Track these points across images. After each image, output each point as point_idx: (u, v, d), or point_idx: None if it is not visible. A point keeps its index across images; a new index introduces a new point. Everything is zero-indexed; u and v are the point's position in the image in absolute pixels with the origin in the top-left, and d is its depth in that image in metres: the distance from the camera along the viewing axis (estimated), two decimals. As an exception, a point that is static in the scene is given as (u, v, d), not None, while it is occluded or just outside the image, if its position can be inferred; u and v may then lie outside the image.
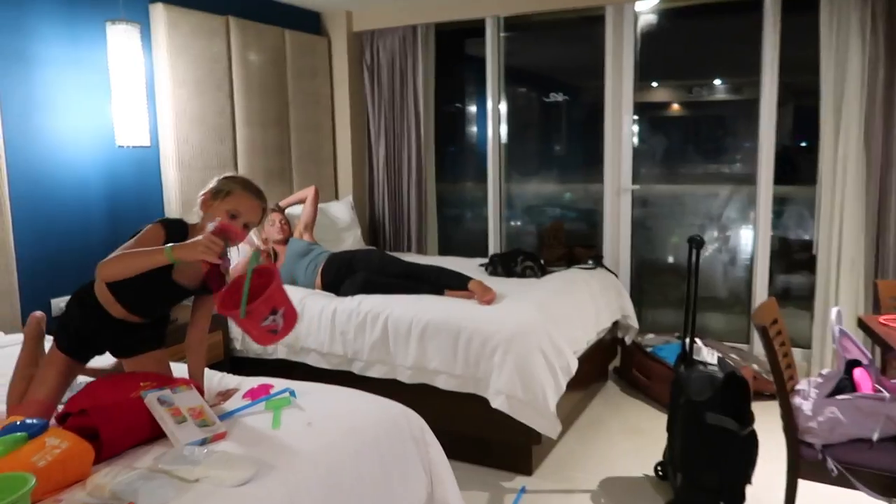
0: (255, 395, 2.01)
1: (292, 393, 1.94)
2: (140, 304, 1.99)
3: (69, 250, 3.16)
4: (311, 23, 4.74)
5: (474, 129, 5.31)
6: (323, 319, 3.26)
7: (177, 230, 1.96)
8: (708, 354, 3.42)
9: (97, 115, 3.25)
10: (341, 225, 4.52)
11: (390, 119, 4.83)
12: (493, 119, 4.78)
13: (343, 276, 3.44)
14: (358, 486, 1.65)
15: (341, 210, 4.60)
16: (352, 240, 4.54)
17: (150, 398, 1.66)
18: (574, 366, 3.03)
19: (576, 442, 3.30)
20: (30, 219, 2.99)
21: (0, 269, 2.82)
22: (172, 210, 3.63)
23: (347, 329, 3.20)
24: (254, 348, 3.46)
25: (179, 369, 2.18)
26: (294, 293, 3.40)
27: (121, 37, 3.11)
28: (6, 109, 2.88)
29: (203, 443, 1.66)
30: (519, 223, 5.06)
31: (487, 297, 3.15)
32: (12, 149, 2.90)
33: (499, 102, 4.79)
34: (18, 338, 2.24)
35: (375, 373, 3.17)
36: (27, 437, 1.45)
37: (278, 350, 3.41)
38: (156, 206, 3.63)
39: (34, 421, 1.51)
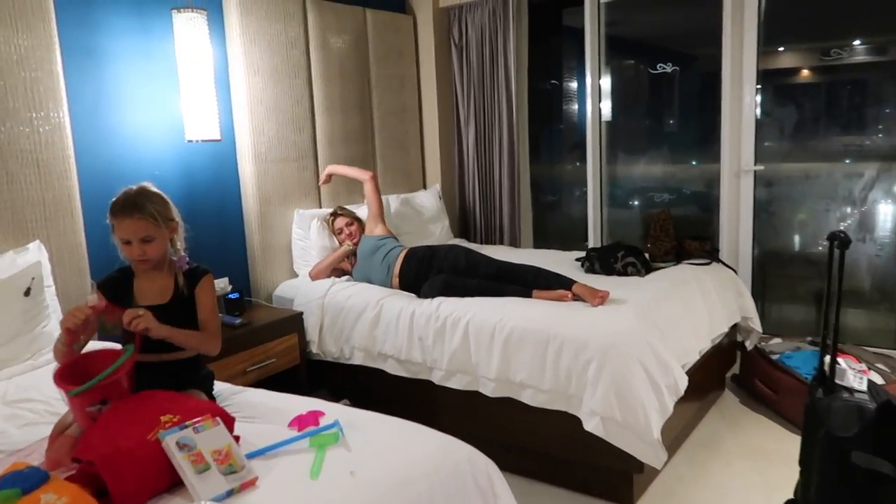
0: (302, 423, 1.77)
1: (341, 429, 1.68)
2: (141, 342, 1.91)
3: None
4: (395, 0, 4.46)
5: (573, 106, 4.87)
6: (401, 323, 3.01)
7: (115, 284, 1.99)
8: (854, 379, 2.85)
9: (168, 108, 3.13)
10: (427, 215, 4.25)
11: (480, 99, 4.49)
12: (594, 95, 4.33)
13: (424, 274, 3.17)
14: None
15: (428, 199, 4.32)
16: (439, 232, 4.27)
17: (168, 442, 1.45)
18: (683, 383, 2.60)
19: (686, 465, 2.87)
20: (101, 219, 2.90)
21: (72, 271, 2.75)
22: (250, 206, 3.49)
23: (426, 334, 2.93)
24: (331, 352, 3.26)
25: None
26: (372, 294, 3.18)
27: (187, 25, 2.95)
28: (75, 107, 2.79)
29: (229, 494, 1.43)
30: (622, 211, 4.59)
31: (598, 296, 2.78)
32: (82, 147, 2.82)
33: (600, 77, 4.33)
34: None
35: (456, 384, 2.88)
36: (20, 493, 1.26)
37: (355, 355, 3.19)
38: (233, 203, 3.49)
39: (37, 470, 1.32)
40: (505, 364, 2.71)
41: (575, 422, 2.56)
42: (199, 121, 3.05)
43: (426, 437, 1.69)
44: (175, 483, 1.45)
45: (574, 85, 4.85)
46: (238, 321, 3.03)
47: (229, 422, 1.63)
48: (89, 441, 1.49)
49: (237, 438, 1.68)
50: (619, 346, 2.48)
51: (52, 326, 2.46)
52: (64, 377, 1.65)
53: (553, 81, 4.90)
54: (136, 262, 1.96)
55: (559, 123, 4.96)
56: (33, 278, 2.40)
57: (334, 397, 3.13)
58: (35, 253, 2.55)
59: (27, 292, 2.37)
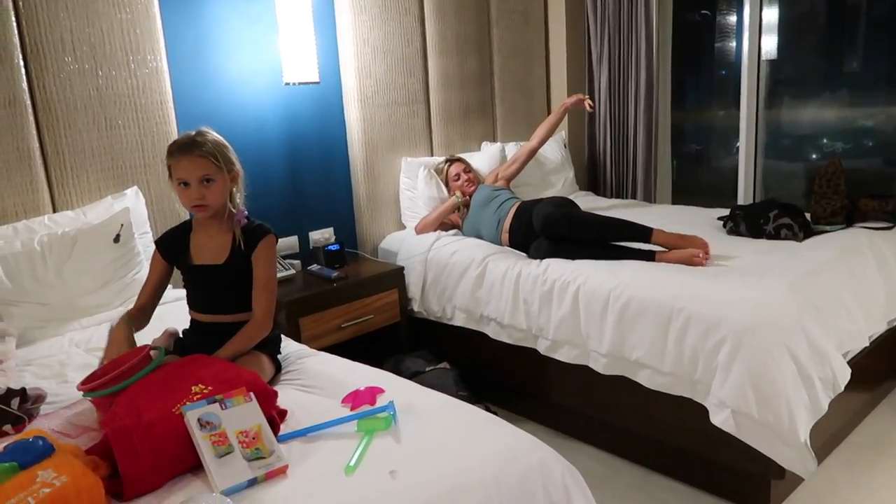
0: (357, 400, 1.55)
1: (394, 414, 1.43)
2: (199, 302, 1.89)
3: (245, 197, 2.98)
4: (522, -75, 4.01)
5: (728, 43, 4.20)
6: (505, 285, 2.71)
7: (172, 241, 1.93)
8: None
9: (268, 51, 2.97)
10: (550, 166, 3.87)
11: (616, 36, 3.97)
12: (753, 28, 3.67)
13: (533, 232, 2.82)
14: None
15: (551, 149, 3.92)
16: (562, 184, 3.87)
17: (190, 417, 1.27)
18: (844, 376, 2.10)
19: (842, 470, 2.37)
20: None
21: (170, 218, 2.70)
22: (356, 153, 3.30)
23: (531, 298, 2.61)
24: (433, 310, 3.04)
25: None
26: (477, 251, 2.90)
27: (286, -39, 2.76)
28: (172, 50, 2.71)
29: (251, 484, 1.23)
30: (782, 163, 3.92)
31: (695, 250, 2.41)
32: (180, 91, 2.74)
33: (760, 6, 3.65)
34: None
35: (563, 356, 2.55)
36: (17, 468, 1.13)
37: (456, 316, 2.94)
38: (339, 150, 3.32)
39: (42, 442, 1.19)
40: (619, 338, 2.34)
41: (701, 411, 2.16)
42: (297, 62, 2.87)
43: (493, 433, 1.39)
44: (199, 463, 1.28)
45: (731, 18, 4.17)
46: (335, 275, 2.88)
47: (269, 397, 1.43)
48: (116, 409, 1.35)
49: (284, 413, 1.50)
50: (761, 328, 2.02)
51: (144, 274, 2.41)
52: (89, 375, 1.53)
53: (704, 12, 4.24)
54: (194, 209, 1.82)
55: (709, 62, 4.31)
56: (122, 225, 2.36)
57: (434, 359, 2.93)
58: (130, 199, 2.52)
59: (116, 239, 2.33)
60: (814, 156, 3.80)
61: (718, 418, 2.08)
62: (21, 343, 2.05)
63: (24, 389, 1.61)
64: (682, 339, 2.17)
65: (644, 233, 2.57)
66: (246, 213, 1.89)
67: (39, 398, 1.67)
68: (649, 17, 3.78)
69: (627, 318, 2.31)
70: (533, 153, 3.46)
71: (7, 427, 1.54)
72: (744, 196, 3.83)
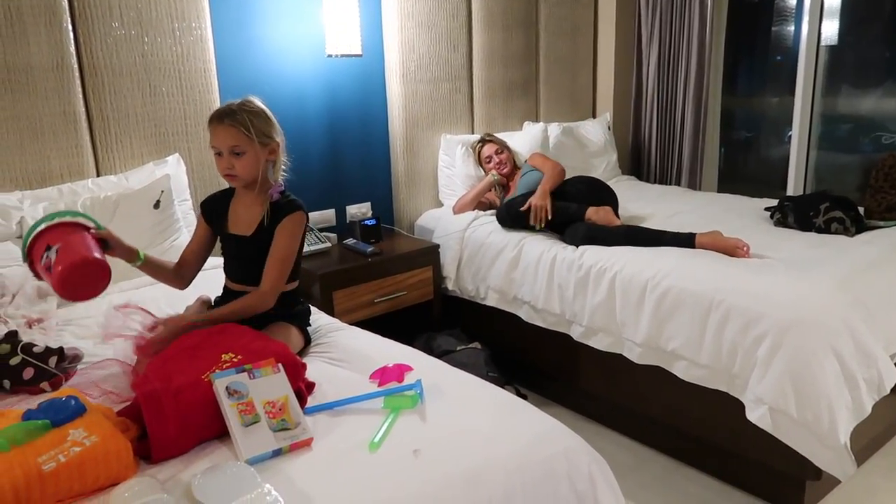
0: (384, 377, 1.54)
1: (421, 393, 1.42)
2: (231, 270, 1.90)
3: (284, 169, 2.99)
4: None
5: (786, 27, 4.03)
6: (540, 268, 2.67)
7: (215, 205, 1.94)
8: None
9: (311, 22, 2.95)
10: (592, 148, 3.78)
11: (668, 16, 3.84)
12: (813, 11, 3.51)
13: (568, 215, 2.77)
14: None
15: (595, 130, 3.84)
16: (604, 167, 3.79)
17: (219, 385, 1.27)
18: (891, 378, 2.01)
19: (884, 475, 2.29)
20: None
21: (210, 186, 2.71)
22: (396, 128, 3.28)
23: (566, 283, 2.56)
24: (468, 289, 3.02)
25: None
26: (514, 232, 2.86)
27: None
28: (217, 18, 2.71)
29: (276, 454, 1.23)
30: (836, 155, 3.76)
31: (739, 241, 2.35)
32: (223, 59, 2.75)
33: (824, -13, 3.49)
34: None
35: (598, 343, 2.50)
36: (49, 426, 1.15)
37: (490, 296, 2.91)
38: (380, 124, 3.30)
39: (74, 401, 1.21)
40: (656, 328, 2.29)
41: (736, 406, 2.10)
42: (340, 34, 2.84)
43: (521, 417, 1.37)
44: (226, 431, 1.29)
45: (791, 1, 4.00)
46: (370, 249, 2.87)
47: (298, 370, 1.43)
48: (146, 373, 1.37)
49: (312, 386, 1.50)
50: (805, 324, 1.95)
51: (182, 241, 2.44)
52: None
53: (762, -7, 4.08)
54: (225, 178, 1.82)
55: (765, 47, 4.15)
56: (162, 191, 2.38)
57: (466, 338, 2.91)
58: (171, 166, 2.54)
59: (156, 205, 2.36)
60: (870, 148, 3.64)
61: (755, 415, 2.02)
62: (61, 303, 2.10)
63: (61, 349, 1.65)
64: (721, 332, 2.11)
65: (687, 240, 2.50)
66: (282, 187, 1.87)
67: (76, 358, 1.71)
68: (704, -3, 3.65)
69: (665, 307, 2.25)
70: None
71: (44, 384, 1.58)
72: (794, 187, 3.70)
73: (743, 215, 2.90)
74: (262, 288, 1.78)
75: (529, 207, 2.78)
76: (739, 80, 4.08)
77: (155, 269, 1.85)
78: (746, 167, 4.13)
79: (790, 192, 3.68)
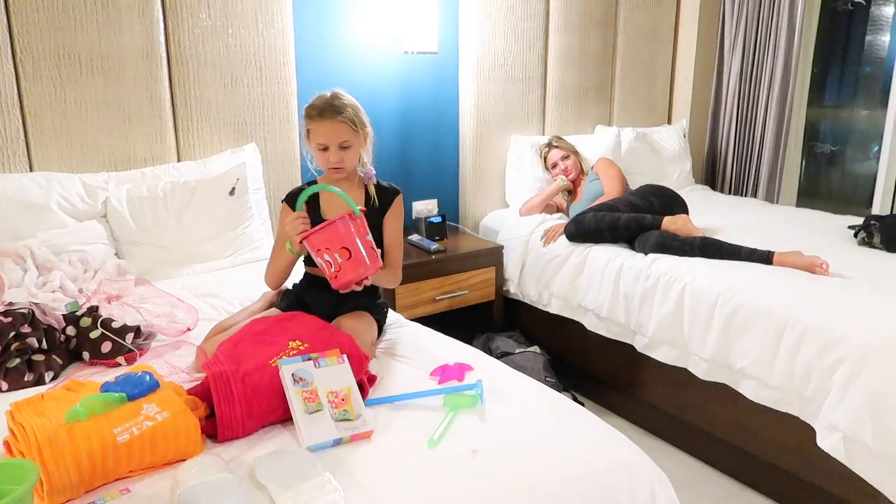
0: (445, 375, 1.54)
1: (481, 393, 1.41)
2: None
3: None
4: None
5: (881, 37, 3.83)
6: (606, 276, 2.61)
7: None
8: None
9: (390, 18, 2.98)
10: (666, 155, 3.69)
11: (754, 21, 3.71)
12: (913, 19, 3.32)
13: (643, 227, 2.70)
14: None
15: (670, 137, 3.74)
16: (677, 175, 3.69)
17: (285, 371, 1.30)
18: (981, 415, 1.88)
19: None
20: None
21: (284, 177, 2.80)
22: (467, 127, 3.27)
23: (632, 293, 2.51)
24: (530, 294, 2.99)
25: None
26: (581, 245, 2.80)
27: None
28: (298, 11, 2.76)
29: (336, 444, 1.25)
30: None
31: (818, 259, 2.25)
32: (302, 52, 2.81)
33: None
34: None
35: (661, 355, 2.44)
36: (125, 398, 1.20)
37: (553, 303, 2.88)
38: (451, 121, 3.31)
39: (149, 377, 1.25)
40: (724, 344, 2.21)
41: (807, 432, 2.01)
42: (418, 31, 2.86)
43: (581, 425, 1.34)
44: (289, 417, 1.31)
45: (888, 10, 3.80)
46: (434, 246, 2.88)
47: (361, 362, 1.45)
48: (218, 354, 1.41)
49: (374, 379, 1.51)
50: (888, 350, 1.84)
51: (254, 228, 2.51)
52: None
53: (857, 1, 3.88)
54: (331, 171, 1.85)
55: (857, 56, 3.95)
56: (238, 179, 2.45)
57: (526, 341, 2.89)
58: (247, 155, 2.61)
59: (232, 192, 2.43)
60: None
61: (827, 442, 1.93)
62: (139, 281, 2.18)
63: (138, 326, 1.72)
64: (795, 353, 2.02)
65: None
66: (374, 171, 1.93)
67: (151, 335, 1.78)
68: (794, 2, 3.50)
69: (736, 323, 2.18)
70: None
71: (120, 358, 1.65)
72: (880, 205, 3.51)
73: (824, 232, 2.77)
74: (392, 266, 1.90)
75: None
76: (827, 90, 3.90)
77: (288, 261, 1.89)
78: (829, 182, 3.94)
79: (876, 210, 3.50)
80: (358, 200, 1.89)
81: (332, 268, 1.61)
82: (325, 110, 1.80)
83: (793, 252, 2.34)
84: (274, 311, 1.82)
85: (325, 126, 1.79)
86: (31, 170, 2.31)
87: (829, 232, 2.79)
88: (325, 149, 1.81)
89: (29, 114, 2.27)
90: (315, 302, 1.84)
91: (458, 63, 3.24)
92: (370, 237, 1.71)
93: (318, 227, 1.63)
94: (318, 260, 1.65)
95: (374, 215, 1.89)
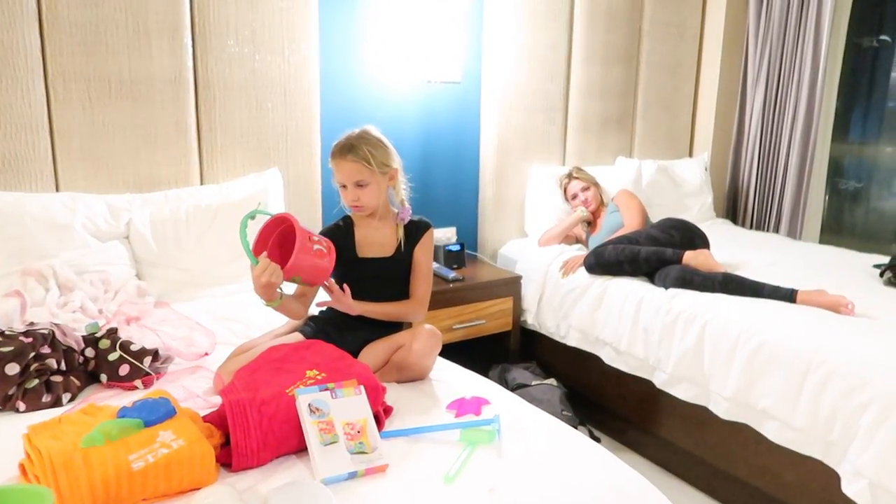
0: (462, 409, 1.52)
1: (499, 429, 1.39)
2: (355, 292, 1.82)
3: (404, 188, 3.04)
4: (688, -65, 3.83)
5: (907, 72, 3.80)
6: (625, 310, 2.59)
7: (337, 234, 1.92)
8: None
9: (414, 47, 3.00)
10: (687, 189, 3.67)
11: (777, 56, 3.70)
12: (940, 57, 3.30)
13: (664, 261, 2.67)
14: None
15: (691, 170, 3.73)
16: (698, 208, 3.67)
17: (302, 401, 1.29)
18: None
19: None
20: (338, 154, 2.92)
21: (306, 202, 2.81)
22: (487, 156, 3.28)
23: (652, 327, 2.48)
24: (548, 325, 2.97)
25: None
26: (600, 277, 2.77)
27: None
28: (324, 39, 2.80)
29: (350, 477, 1.23)
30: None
31: (844, 298, 2.21)
32: (326, 80, 2.84)
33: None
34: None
35: (681, 392, 2.40)
36: (142, 425, 1.20)
37: (570, 335, 2.85)
38: (471, 150, 3.32)
39: (165, 403, 1.25)
40: (746, 383, 2.17)
41: (831, 476, 1.96)
42: (440, 61, 2.88)
43: (599, 464, 1.32)
44: (304, 447, 1.30)
45: (914, 46, 3.77)
46: (452, 275, 2.87)
47: (378, 393, 1.43)
48: (235, 382, 1.40)
49: (390, 410, 1.49)
50: (917, 395, 1.80)
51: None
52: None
53: (883, 38, 3.87)
54: (352, 208, 1.88)
55: (882, 92, 3.92)
56: (259, 203, 2.45)
57: (542, 373, 2.86)
58: (269, 180, 2.63)
59: (252, 216, 2.43)
60: None
61: (852, 488, 1.87)
62: (158, 303, 2.19)
63: (156, 350, 1.72)
64: (820, 395, 1.98)
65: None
66: (410, 210, 1.94)
67: (169, 358, 1.78)
68: (818, 37, 3.50)
69: (758, 362, 2.14)
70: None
71: (137, 381, 1.65)
72: (906, 244, 3.46)
73: (848, 271, 2.72)
74: (417, 298, 1.91)
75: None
76: (852, 126, 3.87)
77: (287, 307, 1.80)
78: (854, 219, 3.89)
79: (902, 248, 3.45)
80: (391, 241, 1.92)
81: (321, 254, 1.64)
82: (341, 149, 1.84)
83: (817, 290, 2.30)
84: (297, 335, 1.81)
85: (340, 165, 1.84)
86: (57, 190, 2.34)
87: (853, 270, 2.74)
88: (345, 187, 1.85)
89: (58, 135, 2.31)
90: (341, 340, 1.80)
91: (479, 92, 3.26)
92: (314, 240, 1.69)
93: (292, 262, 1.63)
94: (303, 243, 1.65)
95: (406, 256, 1.92)
